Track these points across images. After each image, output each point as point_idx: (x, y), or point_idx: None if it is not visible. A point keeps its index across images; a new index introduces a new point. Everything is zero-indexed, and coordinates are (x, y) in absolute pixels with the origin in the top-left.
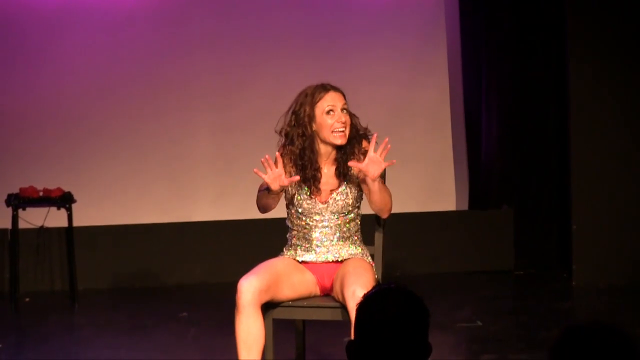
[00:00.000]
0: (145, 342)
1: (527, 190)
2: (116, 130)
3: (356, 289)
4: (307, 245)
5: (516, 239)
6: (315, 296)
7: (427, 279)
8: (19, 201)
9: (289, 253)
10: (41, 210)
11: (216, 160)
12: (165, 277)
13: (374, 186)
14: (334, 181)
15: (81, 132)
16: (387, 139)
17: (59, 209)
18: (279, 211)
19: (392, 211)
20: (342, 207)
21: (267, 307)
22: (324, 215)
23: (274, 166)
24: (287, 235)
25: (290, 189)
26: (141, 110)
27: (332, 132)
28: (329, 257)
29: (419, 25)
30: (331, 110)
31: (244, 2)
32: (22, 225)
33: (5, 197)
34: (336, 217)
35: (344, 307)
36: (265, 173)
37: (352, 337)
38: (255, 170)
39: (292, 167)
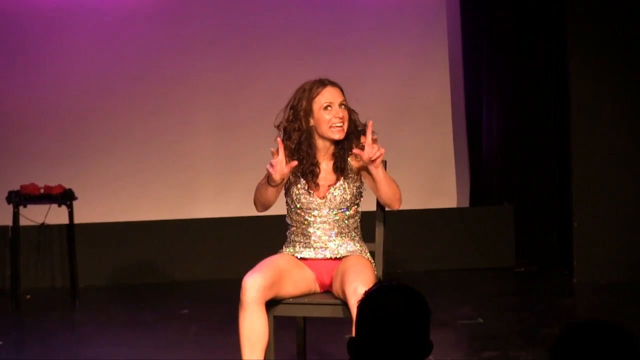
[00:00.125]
0: (146, 340)
1: (528, 188)
2: (117, 128)
3: (358, 286)
4: (305, 242)
5: (517, 236)
6: (315, 293)
7: (428, 276)
8: (19, 198)
9: (288, 250)
10: (42, 208)
11: (217, 158)
12: (166, 274)
13: (379, 175)
14: (331, 176)
15: (82, 130)
16: (370, 122)
17: (59, 206)
18: (280, 208)
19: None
20: (340, 203)
21: (268, 305)
22: (322, 211)
23: (277, 155)
24: (287, 233)
25: (290, 187)
26: (142, 108)
27: (330, 127)
28: (327, 253)
29: (420, 23)
30: (329, 105)
31: (244, 1)
32: (23, 222)
33: (6, 194)
34: (334, 212)
35: (344, 304)
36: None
37: (353, 334)
38: (272, 149)
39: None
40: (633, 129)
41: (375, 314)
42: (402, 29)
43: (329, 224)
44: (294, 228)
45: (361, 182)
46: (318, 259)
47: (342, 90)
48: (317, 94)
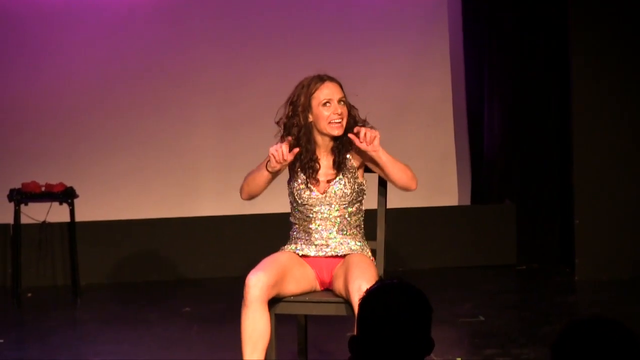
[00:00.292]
0: (148, 337)
1: (529, 185)
2: (118, 126)
3: (362, 283)
4: (307, 239)
5: (518, 234)
6: (315, 291)
7: (430, 274)
8: (21, 196)
9: (290, 247)
10: (43, 206)
11: (219, 156)
12: (167, 272)
13: (381, 158)
14: (331, 172)
15: (83, 128)
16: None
17: (61, 204)
18: (280, 206)
19: (395, 205)
20: (340, 198)
21: (270, 303)
22: (323, 207)
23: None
24: (290, 232)
25: (291, 183)
26: (143, 106)
27: (329, 123)
28: (328, 251)
29: (421, 22)
30: (327, 102)
31: None
32: (24, 220)
33: (7, 192)
34: (335, 209)
35: (346, 302)
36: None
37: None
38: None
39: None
40: (634, 127)
41: (377, 312)
42: (403, 27)
43: (331, 220)
44: (297, 225)
45: (362, 178)
46: (319, 257)
47: (341, 86)
48: (316, 90)
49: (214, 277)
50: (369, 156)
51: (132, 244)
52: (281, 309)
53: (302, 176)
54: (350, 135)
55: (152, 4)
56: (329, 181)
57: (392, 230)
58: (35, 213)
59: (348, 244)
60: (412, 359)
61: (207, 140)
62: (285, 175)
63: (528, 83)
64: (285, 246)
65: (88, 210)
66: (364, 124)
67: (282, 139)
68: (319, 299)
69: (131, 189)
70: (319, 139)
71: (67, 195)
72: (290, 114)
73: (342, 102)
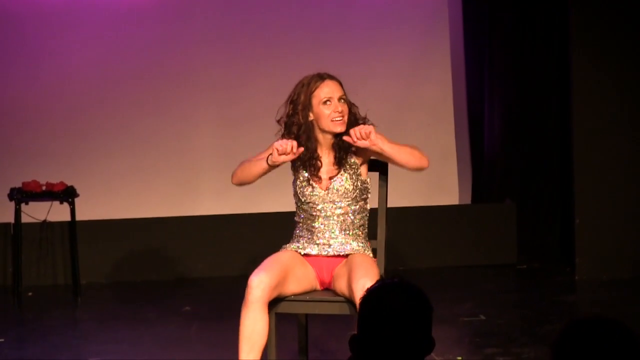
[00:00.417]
0: (148, 336)
1: (530, 184)
2: (119, 125)
3: (366, 282)
4: (310, 237)
5: (519, 233)
6: (315, 290)
7: (430, 273)
8: (21, 195)
9: (292, 246)
10: (44, 205)
11: (219, 155)
12: (168, 271)
13: (384, 149)
14: (333, 168)
15: (84, 127)
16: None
17: (61, 203)
18: (281, 205)
19: (395, 205)
20: (342, 194)
21: (272, 302)
22: (326, 204)
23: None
24: (295, 231)
25: (294, 182)
26: (144, 105)
27: (331, 120)
28: (330, 251)
29: (422, 20)
30: (328, 100)
31: None
32: (24, 219)
33: (7, 191)
34: (339, 206)
35: (348, 302)
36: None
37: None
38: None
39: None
40: (635, 127)
41: (377, 311)
42: (403, 27)
43: (334, 218)
44: (301, 224)
45: (366, 176)
46: (321, 256)
47: (341, 84)
48: (316, 88)
49: (213, 276)
50: (373, 154)
51: (132, 244)
52: (284, 308)
53: (304, 174)
54: (345, 138)
55: (152, 4)
56: (330, 178)
57: (392, 230)
58: (36, 212)
59: (350, 244)
60: (412, 358)
61: (207, 139)
62: (287, 175)
63: (528, 82)
64: (287, 245)
65: (88, 210)
66: (365, 121)
67: (283, 138)
68: (323, 298)
69: (131, 188)
70: (320, 136)
71: (67, 195)
72: (290, 112)
73: (342, 100)
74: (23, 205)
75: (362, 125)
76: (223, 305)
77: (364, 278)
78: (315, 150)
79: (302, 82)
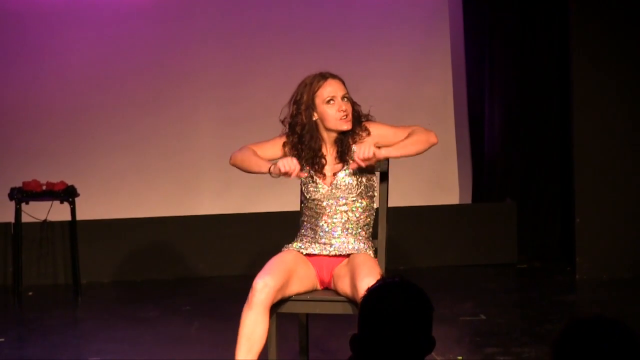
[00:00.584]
0: (148, 336)
1: (530, 184)
2: (120, 124)
3: (371, 281)
4: (313, 236)
5: (519, 232)
6: (316, 290)
7: (431, 273)
8: (22, 195)
9: (294, 245)
10: (44, 204)
11: (220, 154)
12: (168, 271)
13: (392, 155)
14: (337, 165)
15: (84, 126)
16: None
17: (62, 202)
18: (281, 204)
19: (396, 204)
20: (346, 189)
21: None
22: (330, 201)
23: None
24: (298, 231)
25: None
26: (145, 104)
27: (337, 119)
28: (331, 251)
29: (423, 19)
30: (331, 99)
31: None
32: (25, 219)
33: (8, 190)
34: (343, 202)
35: (349, 301)
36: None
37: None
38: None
39: (295, 153)
40: (635, 126)
41: (378, 311)
42: (404, 26)
43: (337, 216)
44: (305, 222)
45: (371, 172)
46: (322, 255)
47: (343, 83)
48: (319, 88)
49: (213, 275)
50: (378, 140)
51: (132, 243)
52: (285, 307)
53: (309, 171)
54: (352, 167)
55: (152, 4)
56: (334, 174)
57: (393, 229)
58: (36, 212)
59: (352, 243)
60: (413, 357)
61: (208, 139)
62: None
63: (529, 82)
64: (290, 244)
65: (89, 209)
66: (368, 118)
67: (287, 137)
68: (324, 298)
69: (132, 187)
70: (324, 135)
71: (68, 194)
72: (294, 112)
73: (345, 99)
74: (23, 205)
75: (359, 148)
76: (223, 305)
77: (368, 277)
78: (320, 149)
79: (305, 82)
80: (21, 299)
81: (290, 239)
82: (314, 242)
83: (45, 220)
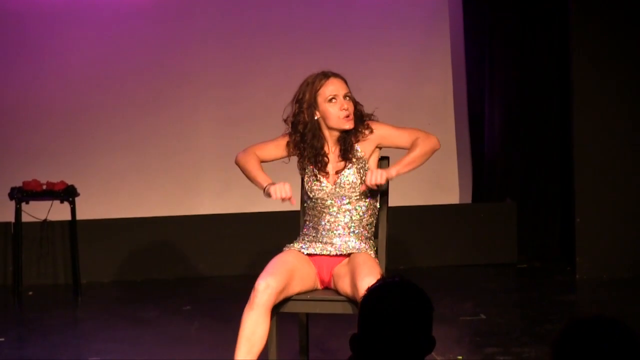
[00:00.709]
0: (148, 336)
1: (530, 183)
2: (120, 124)
3: (371, 280)
4: (314, 235)
5: (519, 232)
6: (316, 289)
7: (431, 272)
8: (22, 195)
9: (295, 246)
10: (44, 204)
11: (220, 154)
12: (168, 271)
13: (404, 172)
14: (340, 163)
15: (84, 126)
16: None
17: (62, 202)
18: (282, 204)
19: (396, 204)
20: (350, 187)
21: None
22: (334, 201)
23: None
24: (301, 231)
25: (302, 178)
26: (145, 104)
27: (340, 118)
28: (332, 251)
29: (423, 19)
30: (333, 98)
31: None
32: (25, 218)
33: (8, 190)
34: (346, 202)
35: (349, 301)
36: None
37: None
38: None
39: (298, 152)
40: (635, 126)
41: (378, 311)
42: (404, 26)
43: (340, 215)
44: (308, 222)
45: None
46: (323, 255)
47: (345, 82)
48: (321, 87)
49: (213, 275)
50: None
51: (132, 243)
52: (285, 307)
53: (312, 170)
54: (362, 189)
55: (152, 3)
56: (337, 172)
57: (393, 229)
58: (36, 211)
59: (353, 242)
60: (413, 357)
61: (208, 138)
62: (288, 175)
63: (529, 82)
64: (291, 244)
65: (89, 209)
66: (371, 117)
67: (289, 136)
68: (324, 298)
69: (132, 187)
70: (327, 133)
71: (68, 194)
72: (296, 111)
73: (347, 97)
74: (23, 205)
75: (371, 174)
76: (223, 305)
77: (368, 277)
78: (322, 148)
79: (307, 81)
80: (21, 299)
81: (291, 239)
82: (315, 241)
83: (45, 220)
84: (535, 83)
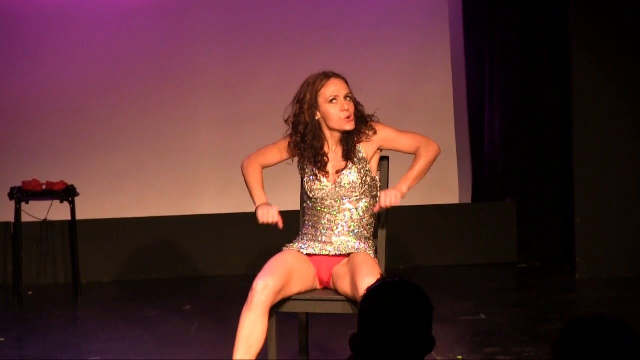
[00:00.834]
0: (149, 335)
1: (530, 183)
2: (119, 124)
3: (371, 280)
4: (313, 234)
5: (519, 232)
6: (316, 289)
7: (430, 272)
8: (22, 194)
9: (294, 246)
10: (44, 204)
11: (220, 154)
12: (168, 270)
13: (414, 185)
14: (341, 162)
15: (84, 125)
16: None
17: (62, 202)
18: (282, 204)
19: (397, 204)
20: (350, 187)
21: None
22: (334, 201)
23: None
24: (300, 231)
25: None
26: (145, 103)
27: (341, 120)
28: (331, 251)
29: (422, 19)
30: (334, 98)
31: None
32: (25, 218)
33: (8, 190)
34: (346, 201)
35: (349, 300)
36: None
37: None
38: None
39: (298, 152)
40: (635, 126)
41: (378, 310)
42: (404, 26)
43: (340, 215)
44: (307, 222)
45: (375, 173)
46: (322, 255)
47: (346, 82)
48: (322, 87)
49: (214, 275)
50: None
51: (132, 242)
52: (285, 307)
53: (312, 170)
54: (376, 210)
55: (152, 3)
56: (338, 172)
57: (393, 228)
58: (36, 211)
59: (352, 242)
60: (413, 357)
61: (208, 138)
62: (288, 175)
63: (529, 81)
64: (290, 244)
65: (89, 209)
66: (371, 118)
67: (290, 137)
68: (324, 297)
69: (132, 187)
70: (327, 134)
71: (68, 194)
72: (297, 112)
73: (348, 98)
74: (23, 205)
75: (385, 195)
76: (224, 305)
77: (368, 277)
78: (322, 148)
79: (308, 81)
80: (21, 299)
81: (291, 238)
82: (314, 241)
83: (45, 220)
84: (535, 82)
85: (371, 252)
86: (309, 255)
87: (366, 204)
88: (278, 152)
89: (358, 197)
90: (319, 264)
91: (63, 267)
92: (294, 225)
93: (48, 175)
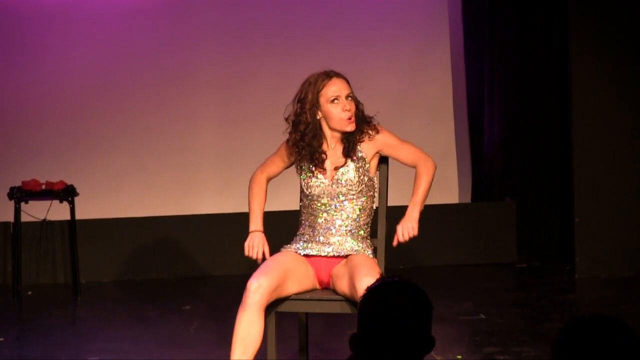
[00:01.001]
0: (148, 336)
1: (529, 183)
2: (119, 123)
3: (370, 281)
4: (311, 234)
5: (519, 232)
6: (315, 289)
7: (430, 272)
8: (21, 194)
9: (292, 247)
10: (44, 204)
11: (219, 153)
12: (168, 270)
13: (422, 209)
14: (340, 160)
15: (84, 125)
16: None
17: (61, 202)
18: (281, 204)
19: (395, 203)
20: (347, 185)
21: (272, 301)
22: (331, 199)
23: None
24: (297, 231)
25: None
26: (144, 103)
27: (342, 120)
28: (329, 252)
29: (422, 19)
30: (336, 98)
31: None
32: (24, 218)
33: (7, 190)
34: (343, 199)
35: (349, 300)
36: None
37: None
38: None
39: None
40: (635, 126)
41: (377, 310)
42: (404, 25)
43: (337, 214)
44: (304, 221)
45: (374, 174)
46: (320, 256)
47: (348, 82)
48: (323, 87)
49: (213, 275)
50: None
51: (132, 242)
52: (284, 307)
53: (309, 167)
54: (395, 244)
55: (152, 2)
56: (336, 168)
57: (393, 228)
58: (36, 211)
59: (350, 243)
60: (413, 356)
61: (208, 137)
62: (288, 175)
63: (528, 81)
64: (287, 245)
65: (88, 208)
66: (372, 119)
67: (290, 136)
68: (324, 297)
69: (132, 187)
70: (328, 133)
71: (67, 193)
72: (298, 111)
73: (349, 98)
74: (23, 204)
75: (402, 228)
76: (223, 305)
77: (367, 277)
78: (320, 147)
79: (309, 81)
80: (21, 299)
81: (290, 239)
82: (312, 241)
83: (44, 220)
84: (535, 83)
85: (369, 252)
86: (306, 256)
87: (363, 204)
88: (280, 159)
89: (354, 196)
90: (318, 265)
91: (62, 267)
92: (294, 225)
93: (48, 175)
